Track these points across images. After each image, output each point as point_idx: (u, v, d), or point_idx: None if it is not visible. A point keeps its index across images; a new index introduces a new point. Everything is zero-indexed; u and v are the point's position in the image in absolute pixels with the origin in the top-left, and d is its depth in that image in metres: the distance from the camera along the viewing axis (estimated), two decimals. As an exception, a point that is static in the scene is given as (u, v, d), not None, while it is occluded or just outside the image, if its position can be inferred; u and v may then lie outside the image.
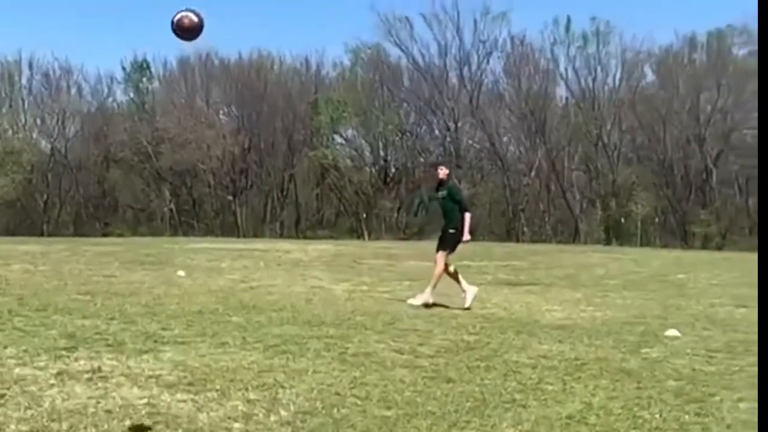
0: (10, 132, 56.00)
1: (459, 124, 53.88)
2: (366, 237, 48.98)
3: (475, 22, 53.84)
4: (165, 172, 53.26)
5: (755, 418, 5.87)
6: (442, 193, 12.26)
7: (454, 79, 54.89)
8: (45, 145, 56.15)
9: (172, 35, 3.86)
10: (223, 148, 52.36)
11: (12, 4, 72.14)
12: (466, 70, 54.65)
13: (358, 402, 6.09)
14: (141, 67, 57.65)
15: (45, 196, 53.49)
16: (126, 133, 53.73)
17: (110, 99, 59.10)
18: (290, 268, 17.93)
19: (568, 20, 53.21)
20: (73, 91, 57.83)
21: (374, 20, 73.99)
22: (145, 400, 5.95)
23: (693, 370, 7.61)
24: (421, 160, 54.97)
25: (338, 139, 56.72)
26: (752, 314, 12.03)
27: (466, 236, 11.89)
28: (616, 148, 52.65)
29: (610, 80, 53.68)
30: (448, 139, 54.15)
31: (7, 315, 9.52)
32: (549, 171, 52.37)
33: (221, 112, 57.65)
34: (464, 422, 5.66)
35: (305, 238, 44.91)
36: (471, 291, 11.93)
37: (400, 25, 54.40)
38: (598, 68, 53.13)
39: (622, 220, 51.03)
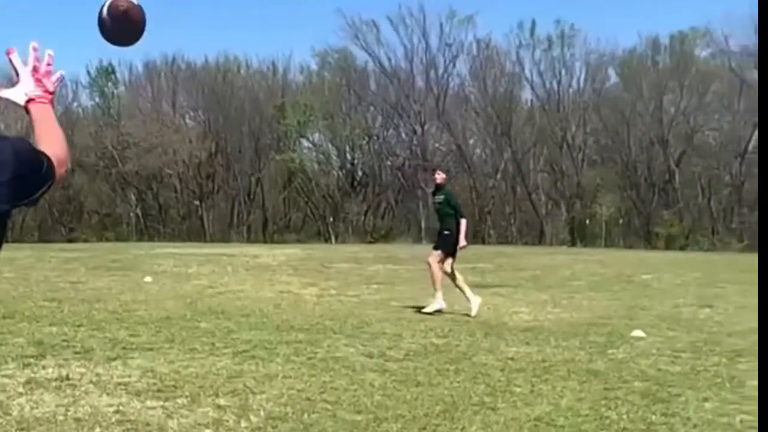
0: (-28, 137, 55.25)
1: (425, 127, 53.95)
2: (333, 241, 48.95)
3: (441, 25, 53.98)
4: (131, 177, 52.86)
5: (721, 419, 5.98)
6: (439, 197, 12.30)
7: (420, 83, 54.99)
8: (8, 150, 55.46)
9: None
10: (189, 153, 52.07)
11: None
12: (432, 73, 54.78)
13: (329, 407, 6.12)
14: (106, 72, 57.15)
15: (9, 202, 52.77)
16: (91, 137, 53.27)
17: (75, 104, 58.64)
18: (258, 273, 17.90)
19: (533, 23, 53.53)
20: (38, 95, 57.23)
21: (341, 24, 74.01)
22: (114, 408, 5.94)
23: (659, 371, 7.72)
24: (388, 163, 55.04)
25: (305, 143, 56.65)
26: (716, 314, 12.22)
27: (463, 242, 11.87)
28: (580, 150, 53.02)
29: (574, 83, 54.07)
30: (415, 142, 54.23)
31: (-28, 323, 9.44)
32: (515, 173, 52.63)
33: (187, 116, 57.27)
34: (434, 425, 5.71)
35: (273, 242, 44.79)
36: (439, 301, 11.88)
37: (367, 28, 54.42)
38: (563, 71, 53.49)
39: (587, 221, 51.39)
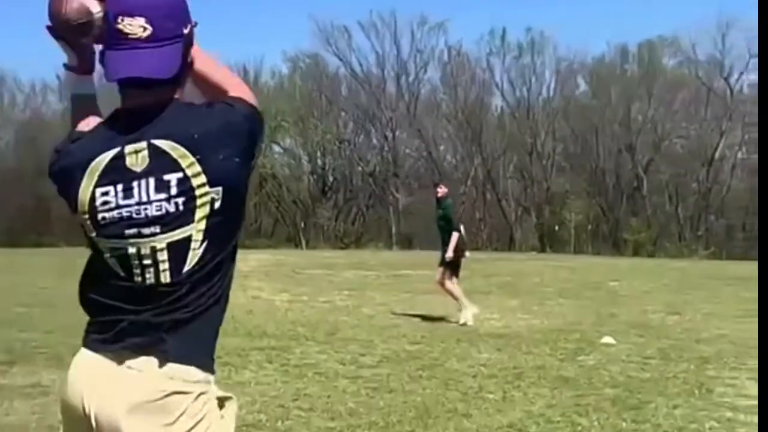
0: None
1: (397, 133, 54.06)
2: (304, 246, 48.88)
3: (413, 32, 54.15)
4: (99, 182, 52.55)
5: (691, 425, 6.07)
6: (439, 212, 12.28)
7: (392, 89, 55.14)
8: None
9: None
10: (158, 157, 51.83)
11: (-60, 10, 70.53)
12: (403, 79, 54.96)
13: (302, 414, 6.14)
14: (75, 76, 56.80)
15: (-25, 207, 52.35)
16: (59, 141, 52.81)
17: (44, 108, 58.20)
18: (229, 279, 17.83)
19: (504, 31, 53.86)
20: (6, 99, 56.79)
21: (312, 29, 74.18)
22: (87, 415, 5.91)
23: (628, 377, 7.80)
24: (359, 169, 55.07)
25: (276, 149, 56.50)
26: (684, 321, 12.36)
27: (449, 253, 11.82)
28: (549, 157, 53.38)
29: (544, 90, 54.45)
30: (386, 148, 54.32)
31: (-59, 329, 9.36)
32: (485, 180, 52.87)
33: (157, 120, 57.06)
34: (408, 432, 5.74)
35: (243, 247, 44.42)
36: (470, 309, 11.75)
37: (339, 34, 54.49)
38: (533, 78, 53.88)
39: (556, 227, 51.71)
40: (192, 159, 2.06)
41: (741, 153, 50.89)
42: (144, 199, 2.07)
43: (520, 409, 6.43)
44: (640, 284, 18.56)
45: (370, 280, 19.13)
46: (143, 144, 2.08)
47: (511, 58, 54.03)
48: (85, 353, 2.22)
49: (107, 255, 2.14)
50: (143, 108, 2.12)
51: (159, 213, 2.07)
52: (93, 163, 2.11)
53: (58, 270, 18.74)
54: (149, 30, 2.06)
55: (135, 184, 2.08)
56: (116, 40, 2.08)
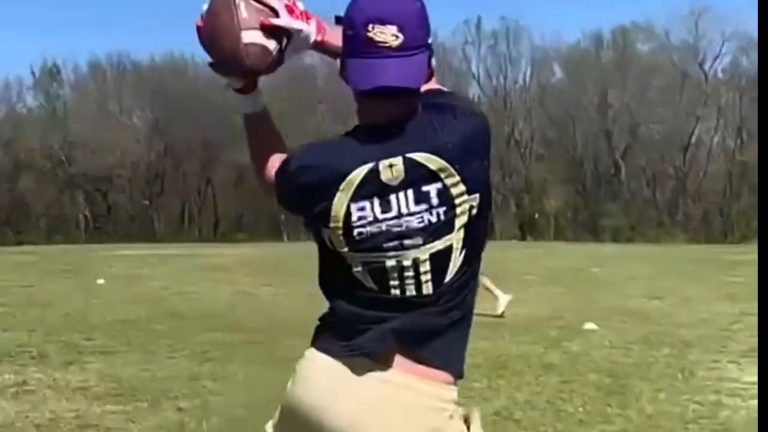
0: None
1: (375, 124, 54.10)
2: (286, 239, 48.83)
3: (389, 22, 54.15)
4: (79, 179, 52.15)
5: (674, 408, 6.14)
6: None
7: (369, 80, 55.08)
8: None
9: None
10: (138, 153, 51.57)
11: None
12: (380, 70, 54.95)
13: (290, 406, 6.15)
14: (51, 73, 56.43)
15: (-47, 206, 51.96)
16: (37, 139, 52.51)
17: (20, 105, 57.79)
18: (213, 273, 17.82)
19: (479, 20, 53.99)
20: (-18, 97, 56.39)
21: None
22: (73, 413, 5.92)
23: (612, 363, 7.87)
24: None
25: (254, 142, 56.36)
26: (665, 306, 12.46)
27: None
28: (527, 146, 53.58)
29: (520, 78, 54.65)
30: (365, 139, 54.35)
31: (-77, 331, 9.31)
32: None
33: (135, 116, 56.74)
34: (395, 422, 5.77)
35: (225, 241, 44.52)
36: (503, 298, 11.41)
37: (315, 25, 54.36)
38: (509, 67, 54.06)
39: (536, 215, 51.94)
40: (450, 169, 2.06)
41: (717, 137, 51.27)
42: (404, 211, 2.07)
43: (505, 397, 6.48)
44: (621, 270, 18.67)
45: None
46: (398, 158, 2.07)
47: (486, 47, 54.21)
48: (325, 357, 2.21)
49: (358, 269, 2.12)
50: (390, 121, 2.10)
51: (421, 224, 2.07)
52: (348, 178, 2.08)
53: (39, 268, 18.66)
54: (400, 39, 2.03)
55: (392, 197, 2.07)
56: (365, 47, 2.05)
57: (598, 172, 52.21)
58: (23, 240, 44.92)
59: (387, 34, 2.02)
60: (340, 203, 2.08)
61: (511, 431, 5.66)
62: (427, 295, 2.10)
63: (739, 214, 47.25)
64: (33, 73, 56.77)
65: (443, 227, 2.08)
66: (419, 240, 2.07)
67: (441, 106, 2.14)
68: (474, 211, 2.10)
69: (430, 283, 2.10)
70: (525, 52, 54.15)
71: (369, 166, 2.07)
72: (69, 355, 8.07)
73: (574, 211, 52.14)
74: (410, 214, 2.06)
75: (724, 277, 16.38)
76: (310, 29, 2.30)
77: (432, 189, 2.06)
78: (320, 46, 2.37)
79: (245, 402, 6.27)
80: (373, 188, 2.07)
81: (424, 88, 2.15)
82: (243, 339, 9.09)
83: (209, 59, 2.26)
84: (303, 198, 2.16)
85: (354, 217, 2.08)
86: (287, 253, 25.20)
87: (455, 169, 2.06)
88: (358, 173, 2.07)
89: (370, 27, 2.04)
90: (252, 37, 2.19)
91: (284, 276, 17.52)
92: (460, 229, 2.09)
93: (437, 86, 2.25)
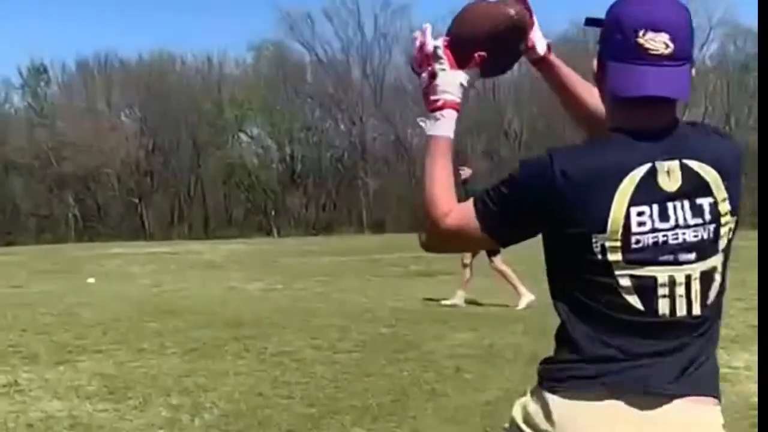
0: None
1: (364, 118, 54.10)
2: (276, 234, 48.83)
3: (376, 16, 54.20)
4: (68, 178, 52.04)
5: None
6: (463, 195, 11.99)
7: (357, 74, 55.15)
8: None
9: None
10: (126, 151, 51.47)
11: None
12: (368, 64, 54.95)
13: (281, 401, 6.18)
14: (38, 72, 56.27)
15: (-58, 207, 51.78)
16: (25, 139, 52.38)
17: (7, 105, 57.65)
18: (203, 270, 17.83)
19: (468, 11, 53.96)
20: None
21: (276, 17, 73.82)
22: (65, 412, 5.93)
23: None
24: (328, 155, 55.02)
25: (244, 138, 56.35)
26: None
27: None
28: (517, 136, 53.66)
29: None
30: (354, 133, 54.33)
31: None
32: (454, 161, 52.67)
33: (123, 114, 56.64)
34: (386, 415, 5.79)
35: (215, 238, 44.50)
36: (526, 297, 11.39)
37: (302, 21, 54.39)
38: (498, 58, 54.06)
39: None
40: (722, 185, 1.97)
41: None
42: (681, 222, 1.94)
43: (496, 387, 6.51)
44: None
45: (344, 266, 19.16)
46: (675, 162, 1.96)
47: (474, 39, 54.20)
48: (614, 404, 1.94)
49: (625, 283, 1.94)
50: (655, 128, 1.99)
51: (695, 239, 1.95)
52: (630, 175, 1.94)
53: (29, 268, 18.64)
54: (671, 48, 1.95)
55: (670, 205, 1.94)
56: (634, 53, 1.96)
57: (588, 162, 52.40)
58: (12, 240, 44.85)
59: (658, 42, 1.95)
60: (620, 206, 1.93)
61: (505, 421, 5.68)
62: (696, 316, 1.97)
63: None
64: (20, 72, 56.68)
65: (711, 246, 1.97)
66: (692, 256, 1.95)
67: (693, 122, 2.10)
68: (731, 235, 2.01)
69: (698, 304, 1.97)
70: (513, 43, 54.21)
71: (647, 166, 1.95)
72: (60, 354, 8.07)
73: (564, 201, 52.26)
74: (687, 227, 1.95)
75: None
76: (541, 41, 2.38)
77: (705, 203, 1.96)
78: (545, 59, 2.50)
79: (237, 398, 6.28)
80: (651, 193, 1.94)
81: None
82: (234, 335, 9.09)
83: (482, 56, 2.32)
84: (570, 198, 1.95)
85: (633, 223, 1.93)
86: (277, 250, 25.22)
87: (725, 186, 1.97)
88: (637, 173, 1.94)
89: (640, 33, 1.97)
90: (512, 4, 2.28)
91: (274, 272, 17.56)
92: (722, 250, 2.00)
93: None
